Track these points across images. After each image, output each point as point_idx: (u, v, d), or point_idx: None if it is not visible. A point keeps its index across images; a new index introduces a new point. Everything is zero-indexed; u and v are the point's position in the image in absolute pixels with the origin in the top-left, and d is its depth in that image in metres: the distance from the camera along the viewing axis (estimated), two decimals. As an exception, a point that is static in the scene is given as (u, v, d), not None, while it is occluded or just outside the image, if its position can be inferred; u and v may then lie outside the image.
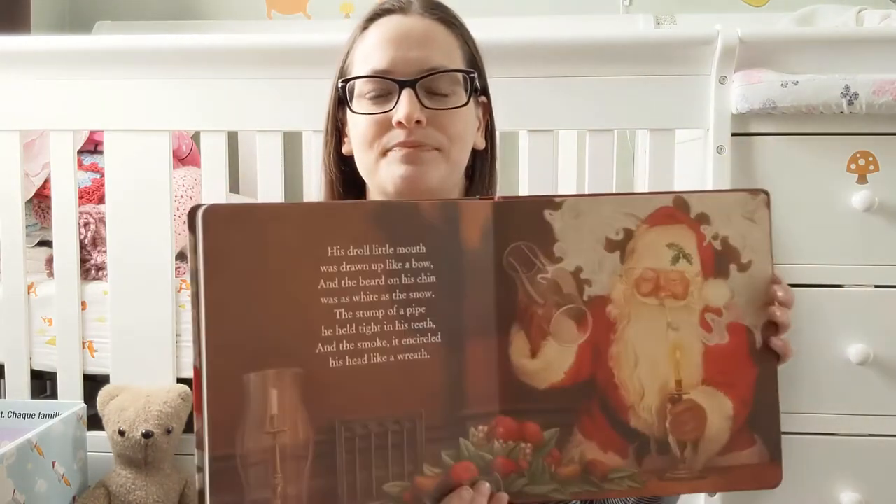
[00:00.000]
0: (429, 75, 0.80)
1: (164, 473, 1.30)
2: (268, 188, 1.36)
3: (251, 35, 1.95)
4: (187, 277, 1.42)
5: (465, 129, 0.84)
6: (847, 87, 1.22)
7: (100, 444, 1.34)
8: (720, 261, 0.67)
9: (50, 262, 1.45)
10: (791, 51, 1.29)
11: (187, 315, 1.37)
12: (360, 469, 0.59)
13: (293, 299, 0.57)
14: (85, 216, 1.44)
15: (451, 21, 0.86)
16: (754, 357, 0.68)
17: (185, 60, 1.33)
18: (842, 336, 1.28)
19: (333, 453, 0.58)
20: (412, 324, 0.61)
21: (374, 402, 0.60)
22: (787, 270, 1.24)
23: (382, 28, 0.83)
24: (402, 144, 0.80)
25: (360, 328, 0.59)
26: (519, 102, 1.30)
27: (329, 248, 0.58)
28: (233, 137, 1.66)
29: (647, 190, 1.33)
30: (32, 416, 1.33)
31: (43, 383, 1.73)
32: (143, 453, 1.27)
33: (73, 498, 1.29)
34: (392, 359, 0.60)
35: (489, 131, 0.92)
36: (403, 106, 0.78)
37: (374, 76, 0.81)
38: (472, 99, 0.83)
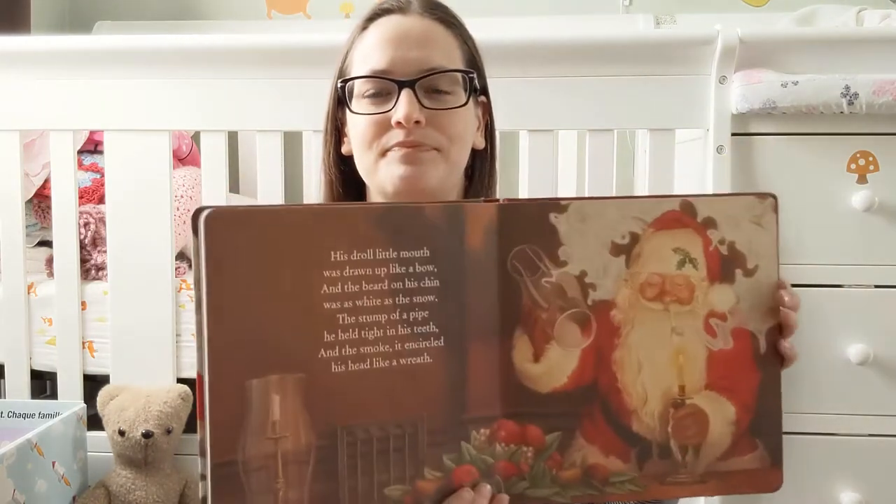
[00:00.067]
0: (428, 75, 0.80)
1: (164, 473, 1.30)
2: (268, 188, 1.36)
3: (251, 35, 1.95)
4: (187, 277, 1.43)
5: (465, 130, 0.84)
6: (847, 87, 1.22)
7: (100, 444, 1.34)
8: (726, 266, 0.67)
9: (50, 262, 1.45)
10: (791, 51, 1.29)
11: (187, 315, 1.38)
12: (361, 473, 0.59)
13: (296, 304, 0.57)
14: (85, 216, 1.44)
15: (450, 21, 0.86)
16: (758, 362, 0.67)
17: (185, 60, 1.33)
18: (842, 336, 1.28)
19: (335, 458, 0.58)
20: (415, 328, 0.60)
21: (376, 406, 0.59)
22: (788, 270, 1.24)
23: (382, 28, 0.83)
24: (401, 144, 0.80)
25: (362, 333, 0.59)
26: (519, 102, 1.30)
27: (332, 253, 0.58)
28: (233, 137, 1.66)
29: (647, 190, 1.33)
30: (32, 416, 1.33)
31: (43, 383, 1.73)
32: (143, 453, 1.27)
33: (73, 498, 1.29)
34: (394, 363, 0.60)
35: (489, 131, 0.92)
36: (402, 106, 0.78)
37: (374, 76, 0.81)
38: (471, 99, 0.83)
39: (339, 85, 0.85)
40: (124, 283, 1.37)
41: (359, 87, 0.83)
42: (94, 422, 1.34)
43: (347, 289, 0.58)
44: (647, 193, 1.33)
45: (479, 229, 0.63)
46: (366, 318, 0.59)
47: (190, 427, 1.33)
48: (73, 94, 1.35)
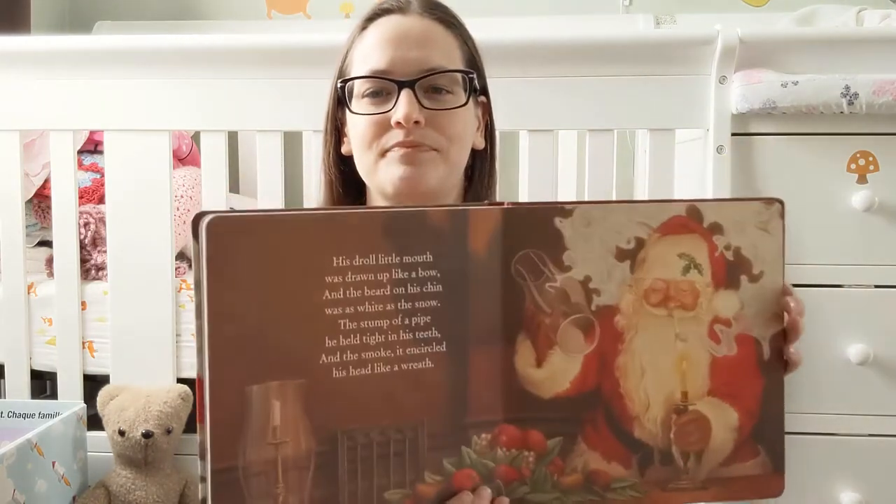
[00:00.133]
0: (428, 75, 0.80)
1: (164, 473, 1.30)
2: (268, 188, 1.36)
3: (251, 35, 1.95)
4: (187, 277, 1.43)
5: (464, 130, 0.84)
6: (847, 87, 1.22)
7: (100, 444, 1.34)
8: (731, 271, 0.66)
9: (50, 262, 1.45)
10: (791, 51, 1.29)
11: (187, 315, 1.38)
12: (361, 477, 0.59)
13: (297, 310, 0.57)
14: (85, 216, 1.44)
15: (450, 21, 0.86)
16: (762, 368, 0.67)
17: (185, 60, 1.33)
18: (842, 336, 1.28)
19: (335, 463, 0.58)
20: (417, 333, 0.60)
21: (376, 411, 0.59)
22: (788, 270, 1.24)
23: (381, 28, 0.83)
24: (400, 145, 0.80)
25: (364, 338, 0.58)
26: (519, 102, 1.29)
27: (334, 259, 0.57)
28: (233, 137, 1.66)
29: (647, 190, 1.33)
30: (32, 416, 1.33)
31: (43, 383, 1.73)
32: (143, 453, 1.27)
33: (73, 498, 1.29)
34: (396, 368, 0.60)
35: (489, 131, 0.92)
36: (402, 106, 0.78)
37: (373, 76, 0.81)
38: (471, 99, 0.83)
39: (338, 85, 0.85)
40: (124, 283, 1.36)
41: (358, 87, 0.83)
42: (94, 422, 1.34)
43: (349, 294, 0.58)
44: (647, 193, 1.33)
45: (482, 234, 0.62)
46: (367, 324, 0.58)
47: (190, 427, 1.33)
48: (73, 94, 1.35)
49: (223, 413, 0.54)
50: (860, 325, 1.28)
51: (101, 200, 1.50)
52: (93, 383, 1.39)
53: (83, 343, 1.40)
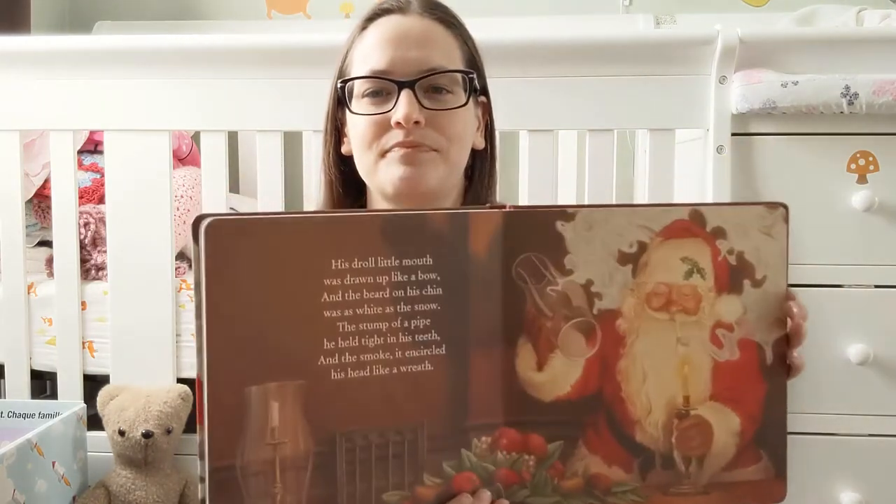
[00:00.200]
0: (428, 76, 0.80)
1: (164, 473, 1.30)
2: (268, 188, 1.36)
3: (251, 35, 1.95)
4: (187, 277, 1.43)
5: (464, 130, 0.84)
6: (847, 87, 1.22)
7: (100, 444, 1.34)
8: (734, 276, 0.66)
9: (50, 262, 1.45)
10: (791, 51, 1.29)
11: (187, 315, 1.38)
12: (359, 479, 0.59)
13: (295, 312, 0.57)
14: (85, 216, 1.44)
15: (450, 21, 0.85)
16: (764, 373, 0.67)
17: (185, 60, 1.33)
18: (842, 336, 1.28)
19: (333, 464, 0.58)
20: (416, 336, 0.60)
21: (375, 413, 0.59)
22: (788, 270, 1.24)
23: (381, 28, 0.83)
24: (400, 145, 0.79)
25: (363, 340, 0.58)
26: (519, 102, 1.29)
27: (333, 261, 0.57)
28: (233, 137, 1.66)
29: (647, 190, 1.33)
30: (32, 416, 1.33)
31: (43, 383, 1.73)
32: (143, 453, 1.27)
33: (73, 498, 1.29)
34: (395, 371, 0.60)
35: (489, 131, 0.92)
36: (402, 106, 0.78)
37: (373, 76, 0.81)
38: (471, 99, 0.83)
39: (338, 85, 0.85)
40: (124, 283, 1.37)
41: (358, 87, 0.82)
42: (94, 422, 1.34)
43: (348, 297, 0.58)
44: (647, 193, 1.33)
45: (483, 237, 0.62)
46: (366, 326, 0.58)
47: (190, 427, 1.33)
48: (73, 94, 1.35)
49: (222, 413, 0.55)
50: (860, 325, 1.28)
51: (101, 200, 1.50)
52: (93, 383, 1.39)
53: (83, 343, 1.40)
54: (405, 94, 0.79)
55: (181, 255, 1.55)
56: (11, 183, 1.38)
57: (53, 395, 1.45)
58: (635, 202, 1.77)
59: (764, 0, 2.12)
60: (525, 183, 1.37)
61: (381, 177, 0.81)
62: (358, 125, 0.82)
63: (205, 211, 1.27)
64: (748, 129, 1.29)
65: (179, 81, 1.33)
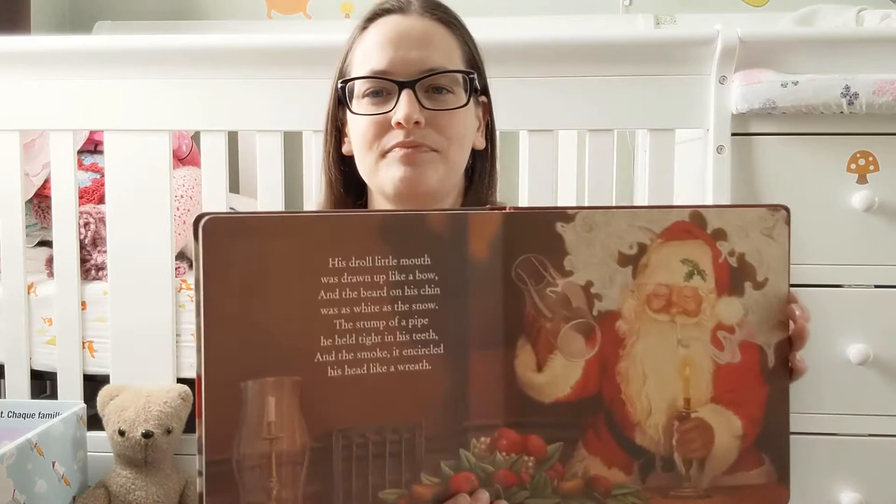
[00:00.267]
0: (428, 76, 0.80)
1: (164, 473, 1.30)
2: (268, 188, 1.36)
3: (251, 35, 1.96)
4: (187, 277, 1.43)
5: (465, 130, 0.84)
6: (847, 87, 1.22)
7: (100, 444, 1.34)
8: (735, 278, 0.66)
9: (50, 262, 1.45)
10: (791, 51, 1.29)
11: (187, 315, 1.38)
12: (356, 476, 0.59)
13: (293, 309, 0.57)
14: (85, 216, 1.44)
15: (450, 21, 0.85)
16: (766, 376, 0.67)
17: (185, 60, 1.33)
18: (842, 336, 1.28)
19: (329, 460, 0.58)
20: (414, 335, 0.60)
21: (372, 411, 0.59)
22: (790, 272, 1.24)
23: (382, 28, 0.83)
24: (400, 145, 0.79)
25: (360, 339, 0.59)
26: (519, 102, 1.30)
27: (330, 260, 0.58)
28: (233, 137, 1.66)
29: (647, 189, 1.33)
30: (32, 416, 1.33)
31: (43, 383, 1.73)
32: (143, 453, 1.27)
33: (73, 498, 1.29)
34: (392, 369, 0.60)
35: (489, 131, 0.92)
36: (402, 107, 0.78)
37: (374, 77, 0.81)
38: (471, 99, 0.83)
39: (339, 85, 0.85)
40: (124, 283, 1.37)
41: (359, 87, 0.82)
42: (94, 422, 1.34)
43: (345, 295, 0.58)
44: (647, 193, 1.33)
45: (483, 238, 0.62)
46: (363, 324, 0.59)
47: (190, 427, 1.33)
48: (73, 94, 1.35)
49: (218, 407, 0.55)
50: (860, 325, 1.28)
51: (101, 200, 1.50)
52: (93, 383, 1.39)
53: (83, 343, 1.40)
54: (405, 95, 0.79)
55: (181, 255, 1.55)
56: (11, 183, 1.38)
57: (53, 395, 1.45)
58: (635, 202, 1.77)
59: (764, 0, 2.12)
60: (525, 183, 1.37)
61: (382, 177, 0.81)
62: (358, 125, 0.82)
63: (205, 211, 1.27)
64: (748, 129, 1.29)
65: (179, 81, 1.33)
